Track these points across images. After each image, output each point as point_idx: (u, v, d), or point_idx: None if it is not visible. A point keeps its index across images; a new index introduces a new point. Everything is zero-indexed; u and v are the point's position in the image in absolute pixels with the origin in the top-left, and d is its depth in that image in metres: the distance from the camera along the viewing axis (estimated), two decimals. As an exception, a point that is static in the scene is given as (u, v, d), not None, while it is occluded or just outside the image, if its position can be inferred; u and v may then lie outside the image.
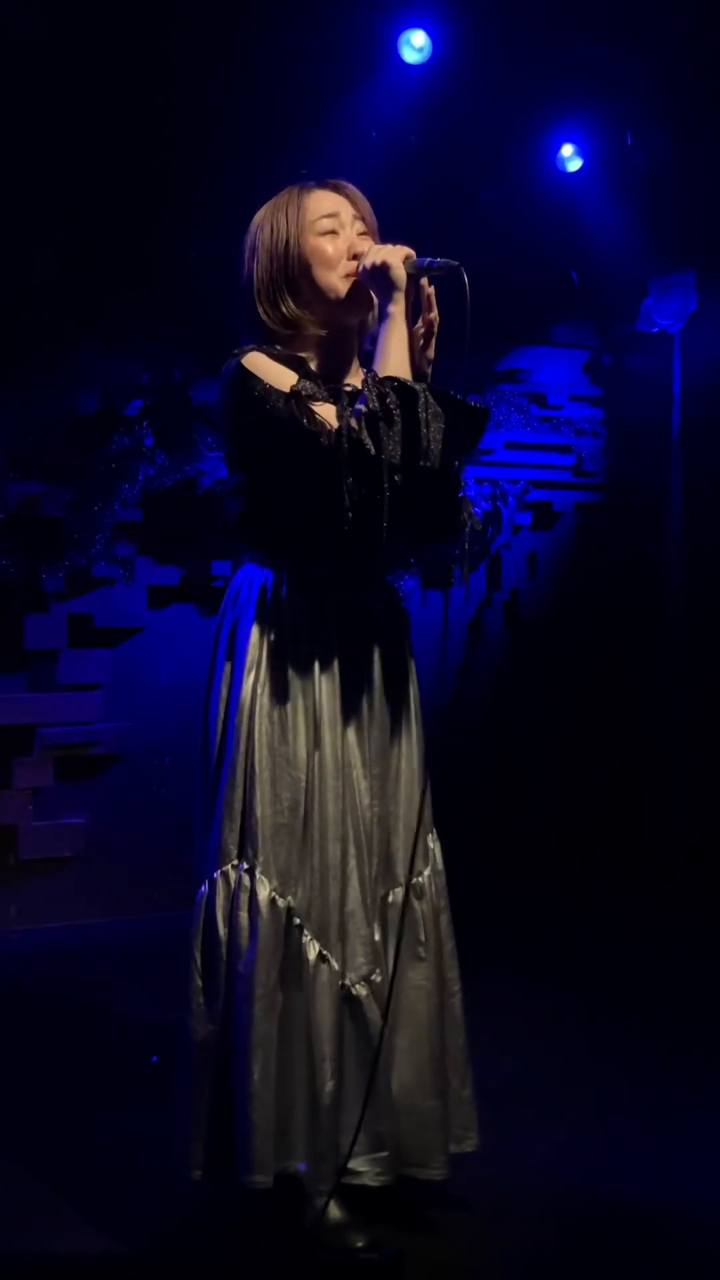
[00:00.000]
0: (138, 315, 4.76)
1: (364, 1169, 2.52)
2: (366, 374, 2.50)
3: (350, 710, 2.58)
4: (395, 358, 2.49)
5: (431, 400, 2.43)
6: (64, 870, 4.91)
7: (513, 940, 4.65)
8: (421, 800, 2.64)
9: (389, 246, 2.53)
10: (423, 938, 2.65)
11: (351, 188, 2.64)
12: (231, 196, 4.64)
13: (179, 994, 2.58)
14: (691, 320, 5.60)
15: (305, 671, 2.56)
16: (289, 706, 2.55)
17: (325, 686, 2.56)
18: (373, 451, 2.38)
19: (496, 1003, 3.89)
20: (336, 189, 2.63)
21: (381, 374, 2.47)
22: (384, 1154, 2.53)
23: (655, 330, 5.68)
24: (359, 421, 2.39)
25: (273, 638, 2.56)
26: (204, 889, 2.58)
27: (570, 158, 5.30)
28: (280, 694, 2.55)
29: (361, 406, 2.42)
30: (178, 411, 4.98)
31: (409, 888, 2.65)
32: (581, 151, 5.30)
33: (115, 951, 4.54)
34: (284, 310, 2.58)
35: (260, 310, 2.60)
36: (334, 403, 2.46)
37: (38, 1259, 2.55)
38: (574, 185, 5.33)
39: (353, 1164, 2.51)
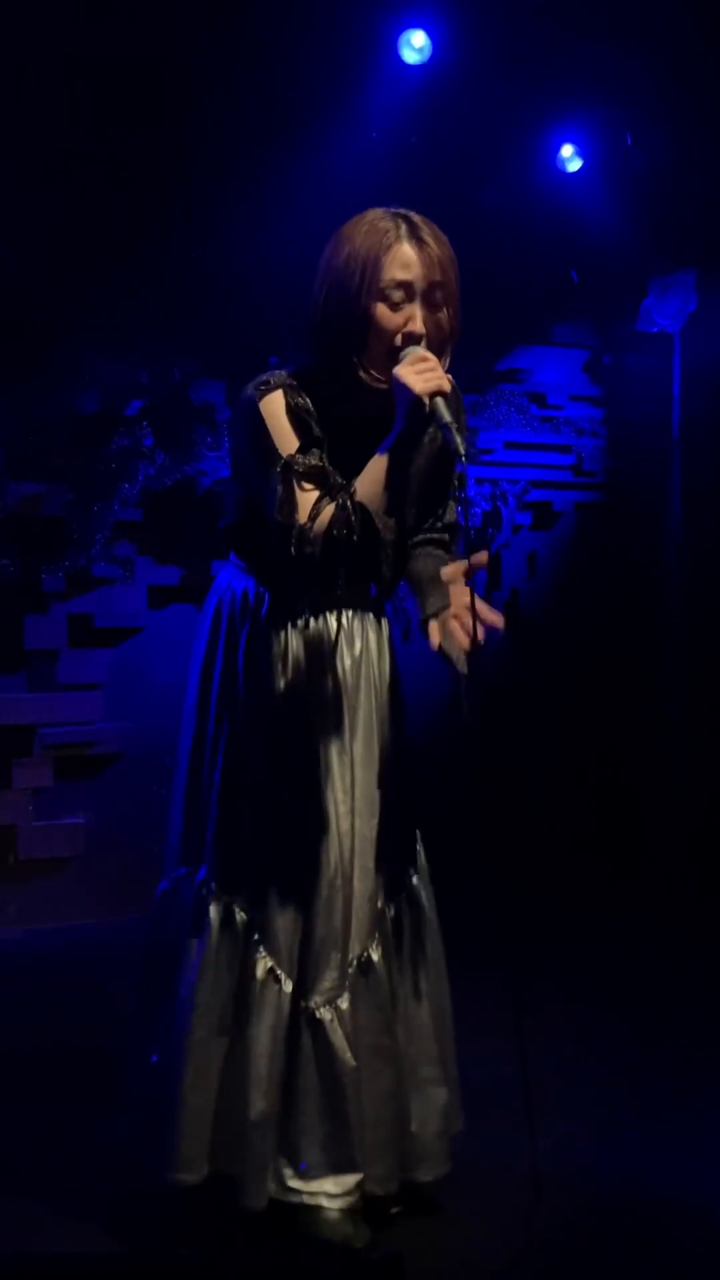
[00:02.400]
0: (138, 315, 4.76)
1: (331, 1190, 2.52)
2: (345, 489, 2.40)
3: (329, 723, 2.57)
4: (377, 484, 2.39)
5: (395, 539, 2.40)
6: (64, 870, 4.91)
7: (511, 939, 4.64)
8: (410, 810, 2.66)
9: (429, 367, 2.37)
10: (420, 943, 2.66)
11: (436, 249, 2.43)
12: (232, 196, 4.68)
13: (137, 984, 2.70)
14: (691, 320, 5.60)
15: (278, 684, 2.55)
16: (259, 719, 2.55)
17: (298, 701, 2.56)
18: (321, 570, 2.38)
19: (496, 1003, 3.89)
20: (421, 247, 2.42)
21: (360, 492, 2.39)
22: (351, 1176, 2.53)
23: (655, 330, 5.68)
24: (320, 536, 2.37)
25: (247, 648, 2.57)
26: (164, 885, 2.67)
27: (570, 158, 5.30)
28: (250, 705, 2.56)
29: (328, 523, 2.37)
30: (178, 411, 4.98)
31: (401, 898, 2.66)
32: (581, 151, 5.30)
33: (115, 951, 4.53)
34: (351, 363, 2.45)
35: (318, 341, 2.48)
36: (319, 487, 2.41)
37: (37, 1259, 2.55)
38: (574, 185, 5.33)
39: (317, 1185, 2.51)
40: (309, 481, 2.41)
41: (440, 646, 2.48)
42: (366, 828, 2.59)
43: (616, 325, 5.88)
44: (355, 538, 2.37)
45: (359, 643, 2.61)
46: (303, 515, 2.39)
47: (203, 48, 4.48)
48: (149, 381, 4.92)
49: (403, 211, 2.48)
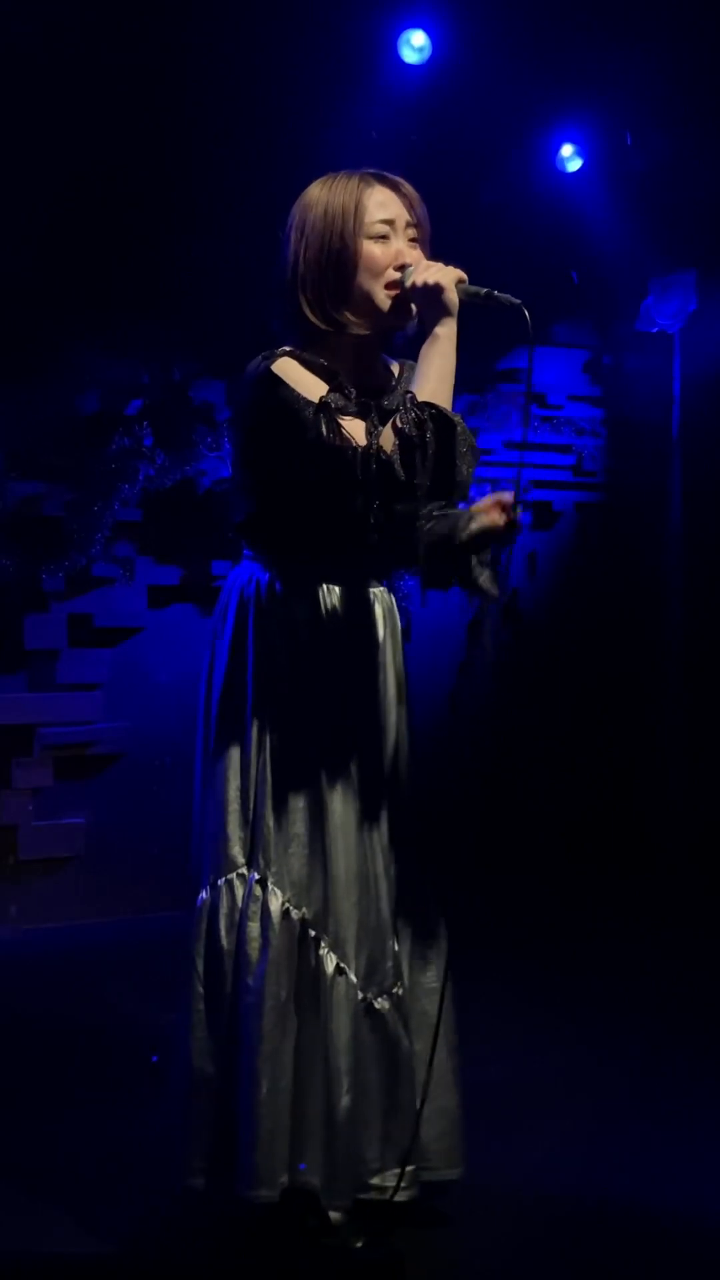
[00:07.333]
0: (138, 315, 4.76)
1: (389, 1184, 2.50)
2: (405, 394, 2.38)
3: (358, 715, 2.56)
4: (436, 382, 2.37)
5: (469, 433, 2.37)
6: (64, 870, 4.91)
7: (512, 940, 4.65)
8: (417, 804, 2.65)
9: (439, 266, 2.43)
10: (428, 939, 2.65)
11: (409, 188, 2.52)
12: (231, 196, 4.68)
13: (178, 1000, 2.56)
14: (691, 320, 5.60)
15: (313, 676, 2.53)
16: (298, 712, 2.52)
17: (333, 692, 2.53)
18: (403, 478, 2.30)
19: (496, 1003, 3.89)
20: (395, 188, 2.51)
21: (421, 397, 2.36)
22: (410, 1169, 2.51)
23: (655, 330, 5.68)
24: (392, 445, 2.31)
25: (278, 641, 2.53)
26: (204, 895, 2.55)
27: (570, 158, 5.30)
28: (289, 700, 2.52)
29: (399, 427, 2.32)
30: (178, 411, 4.98)
31: (410, 892, 2.65)
32: (581, 151, 5.30)
33: (115, 951, 4.54)
34: (329, 309, 2.47)
35: (302, 302, 2.49)
36: (363, 419, 2.39)
37: (36, 1260, 2.55)
38: (574, 185, 5.33)
39: (377, 1180, 2.49)
40: (350, 414, 2.39)
41: (474, 565, 2.57)
42: (393, 815, 2.59)
43: (616, 325, 5.88)
44: (429, 434, 2.31)
45: (382, 627, 2.61)
46: (361, 440, 2.35)
47: (202, 48, 4.48)
48: (149, 381, 4.92)
49: (359, 170, 2.54)
